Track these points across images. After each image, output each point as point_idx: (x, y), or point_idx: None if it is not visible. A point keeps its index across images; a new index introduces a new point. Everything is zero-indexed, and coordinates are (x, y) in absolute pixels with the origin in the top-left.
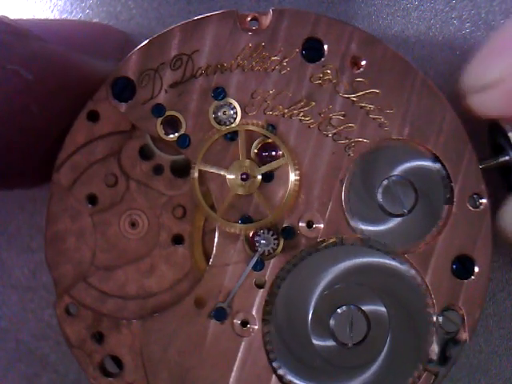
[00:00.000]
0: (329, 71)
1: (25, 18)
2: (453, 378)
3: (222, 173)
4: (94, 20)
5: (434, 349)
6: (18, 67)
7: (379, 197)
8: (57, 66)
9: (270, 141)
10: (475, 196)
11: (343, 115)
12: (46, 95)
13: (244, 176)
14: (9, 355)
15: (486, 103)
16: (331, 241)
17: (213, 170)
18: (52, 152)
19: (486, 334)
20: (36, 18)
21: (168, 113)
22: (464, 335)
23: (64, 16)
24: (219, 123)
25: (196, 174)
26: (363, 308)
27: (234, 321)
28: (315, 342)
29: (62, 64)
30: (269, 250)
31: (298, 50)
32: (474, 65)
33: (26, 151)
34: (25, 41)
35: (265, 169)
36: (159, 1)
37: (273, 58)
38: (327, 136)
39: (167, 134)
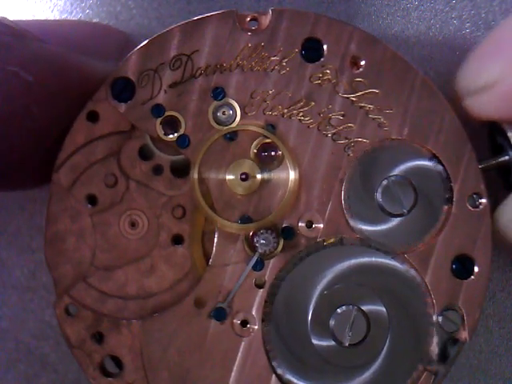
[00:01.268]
0: (328, 71)
1: (25, 18)
2: (453, 377)
3: (221, 177)
4: (94, 20)
5: (434, 348)
6: (18, 68)
7: (379, 197)
8: (56, 66)
9: (269, 141)
10: (475, 196)
11: (343, 115)
12: (45, 96)
13: (243, 176)
14: (9, 355)
15: (482, 105)
16: (331, 241)
17: (212, 175)
18: (52, 152)
19: (486, 334)
20: (36, 18)
21: (167, 113)
22: (464, 334)
23: (64, 16)
24: (219, 123)
25: (196, 175)
26: (363, 308)
27: (234, 321)
28: (315, 341)
29: (62, 65)
30: (269, 250)
31: (297, 50)
32: (468, 66)
33: (26, 152)
34: (24, 42)
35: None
36: (159, 1)
37: (272, 58)
38: (327, 136)
39: (167, 134)
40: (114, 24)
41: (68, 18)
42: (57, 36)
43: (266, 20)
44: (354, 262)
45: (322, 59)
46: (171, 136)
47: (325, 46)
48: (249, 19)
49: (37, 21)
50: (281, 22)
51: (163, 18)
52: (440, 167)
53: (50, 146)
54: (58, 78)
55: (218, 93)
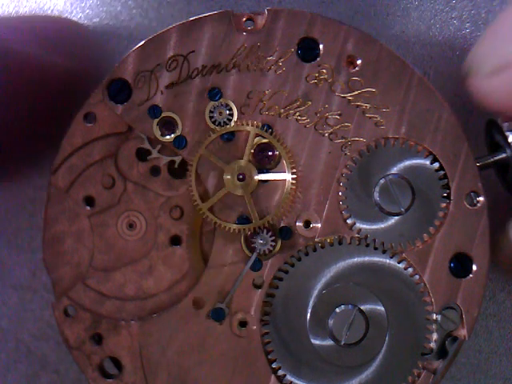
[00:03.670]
0: (324, 71)
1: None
2: (453, 377)
3: (218, 177)
4: (94, 20)
5: (433, 346)
6: None
7: (376, 196)
8: (16, 66)
9: (266, 141)
10: (472, 194)
11: (339, 114)
12: (3, 96)
13: (241, 176)
14: (9, 355)
15: (491, 89)
16: (329, 240)
17: (209, 176)
18: (14, 152)
19: (485, 334)
20: None
21: (164, 114)
22: (463, 332)
23: (64, 16)
24: (215, 124)
25: (193, 175)
26: (362, 307)
27: (233, 321)
28: (314, 341)
29: (22, 64)
30: (267, 250)
31: (293, 49)
32: (483, 43)
33: None
34: None
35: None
36: (159, 1)
37: (268, 58)
38: (323, 135)
39: (163, 135)
40: (113, 24)
41: (68, 18)
42: (16, 31)
43: (261, 20)
44: (352, 261)
45: (318, 59)
46: (168, 137)
47: (321, 46)
48: (245, 19)
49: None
50: (277, 21)
51: (163, 18)
52: (437, 166)
53: (11, 146)
54: (17, 77)
55: (215, 93)
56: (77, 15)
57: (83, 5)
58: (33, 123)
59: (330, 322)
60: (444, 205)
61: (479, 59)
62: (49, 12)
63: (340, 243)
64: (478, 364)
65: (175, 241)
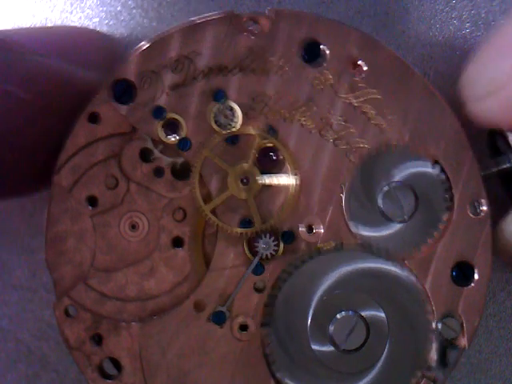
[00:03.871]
0: (330, 75)
1: (25, 18)
2: (453, 377)
3: (222, 180)
4: (94, 20)
5: (433, 355)
6: (14, 87)
7: (379, 202)
8: (52, 82)
9: (270, 144)
10: (476, 203)
11: (344, 120)
12: (40, 114)
13: (244, 180)
14: (9, 355)
15: (487, 112)
16: (331, 246)
17: (213, 179)
18: (45, 163)
19: (485, 334)
20: (36, 18)
21: (169, 115)
22: (463, 341)
23: (64, 16)
24: (220, 126)
25: (196, 178)
26: (362, 314)
27: (233, 325)
28: (314, 347)
29: (59, 81)
30: (269, 254)
31: (298, 52)
32: (472, 68)
33: (15, 165)
34: (21, 58)
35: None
36: (159, 1)
37: (273, 61)
38: (328, 141)
39: (168, 136)
40: (113, 24)
41: (68, 17)
42: (49, 45)
43: (265, 21)
44: (353, 267)
45: (324, 64)
46: (172, 138)
47: (326, 50)
48: (249, 21)
49: (26, 29)
50: (281, 23)
51: (163, 18)
52: (441, 173)
53: (45, 158)
54: (55, 94)
55: (220, 95)
56: (77, 15)
57: (83, 5)
58: (52, 137)
59: (331, 327)
60: (447, 213)
61: (470, 86)
62: (49, 12)
63: (342, 249)
64: (478, 364)
65: (177, 243)
